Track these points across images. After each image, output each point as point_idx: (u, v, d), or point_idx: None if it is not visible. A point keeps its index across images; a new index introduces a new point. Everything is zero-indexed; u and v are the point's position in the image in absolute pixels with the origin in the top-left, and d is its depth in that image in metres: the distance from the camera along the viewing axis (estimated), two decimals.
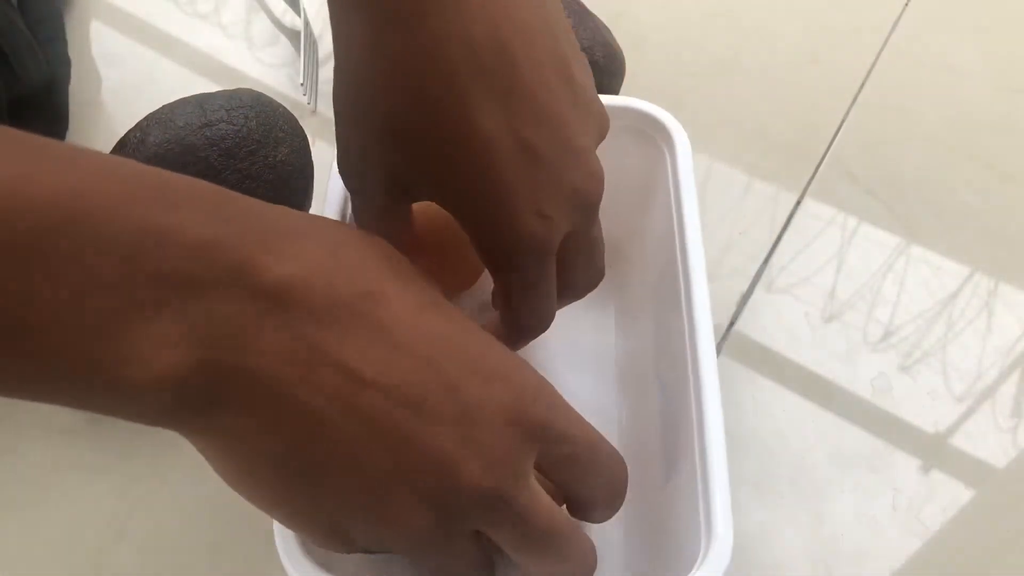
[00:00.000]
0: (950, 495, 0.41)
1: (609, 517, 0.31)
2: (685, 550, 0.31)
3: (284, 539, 0.29)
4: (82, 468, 0.40)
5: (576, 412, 0.28)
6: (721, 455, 0.32)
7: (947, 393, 0.45)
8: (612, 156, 0.42)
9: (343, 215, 0.37)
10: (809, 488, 0.41)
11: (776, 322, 0.46)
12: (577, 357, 0.43)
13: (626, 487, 0.30)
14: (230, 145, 0.40)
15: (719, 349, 0.45)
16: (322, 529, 0.25)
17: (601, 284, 0.44)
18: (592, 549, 0.29)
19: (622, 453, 0.39)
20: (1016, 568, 0.40)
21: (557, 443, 0.27)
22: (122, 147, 0.41)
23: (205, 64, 0.56)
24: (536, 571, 0.28)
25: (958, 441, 0.43)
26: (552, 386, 0.28)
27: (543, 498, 0.27)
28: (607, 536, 0.38)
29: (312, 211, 0.45)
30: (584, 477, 0.28)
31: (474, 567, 0.27)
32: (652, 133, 0.41)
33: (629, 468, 0.39)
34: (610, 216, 0.44)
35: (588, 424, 0.29)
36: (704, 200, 0.41)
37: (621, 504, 0.31)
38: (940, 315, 0.48)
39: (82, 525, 0.39)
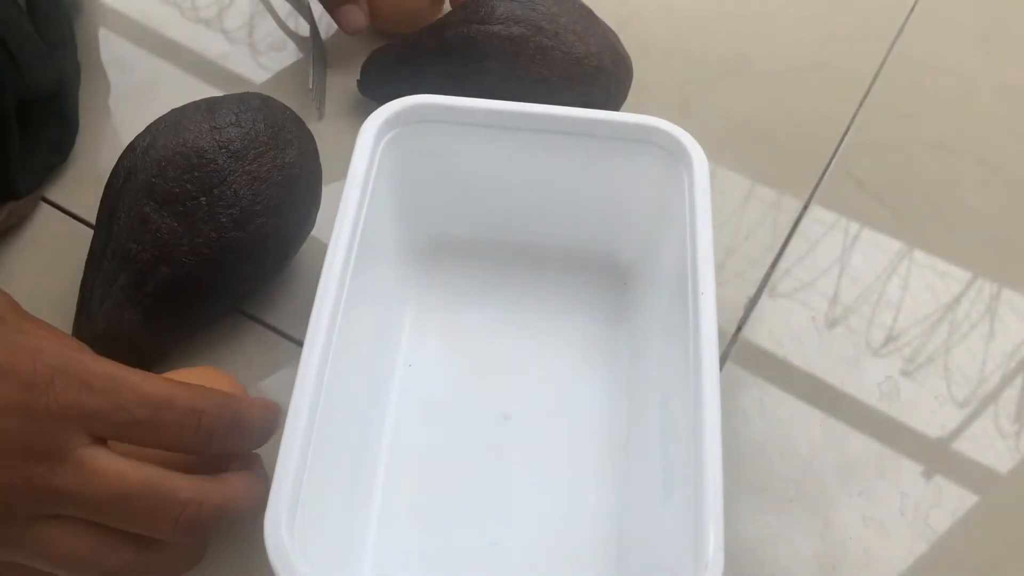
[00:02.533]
0: (957, 499, 0.42)
1: (246, 448, 0.33)
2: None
3: (275, 544, 0.29)
4: None
5: (135, 376, 0.29)
6: (717, 484, 0.31)
7: (950, 398, 0.45)
8: (631, 173, 0.42)
9: (357, 219, 0.37)
10: (817, 493, 0.41)
11: (782, 327, 0.47)
12: (587, 375, 0.43)
13: (249, 422, 0.32)
14: (239, 147, 0.40)
15: (726, 355, 0.45)
16: None
17: (613, 303, 0.45)
18: (196, 489, 0.30)
19: (627, 471, 0.40)
20: None
21: (102, 417, 0.28)
22: (132, 151, 0.41)
23: (212, 70, 0.56)
24: (146, 529, 0.29)
25: (962, 446, 0.43)
26: (88, 362, 0.29)
27: (104, 467, 0.28)
28: (605, 551, 0.38)
29: (320, 213, 0.45)
30: (158, 436, 0.29)
31: (74, 551, 0.28)
32: (672, 153, 0.41)
33: (633, 485, 0.39)
34: (626, 236, 0.45)
35: (155, 385, 0.29)
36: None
37: (255, 438, 0.33)
38: (943, 320, 0.48)
39: None
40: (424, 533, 0.38)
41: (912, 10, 0.63)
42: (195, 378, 0.38)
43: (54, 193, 0.49)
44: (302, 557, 0.29)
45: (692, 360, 0.34)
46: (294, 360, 0.44)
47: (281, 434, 0.31)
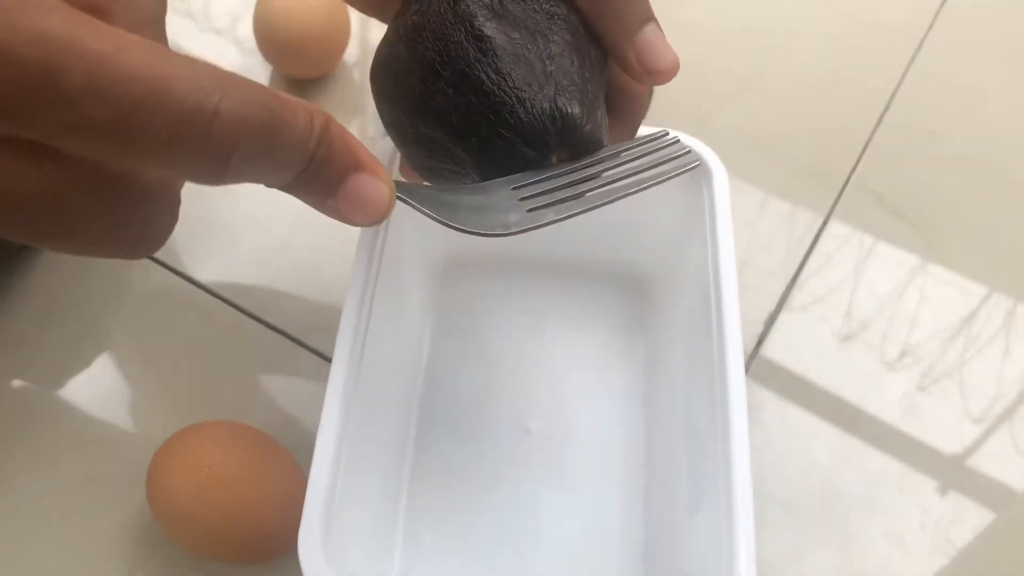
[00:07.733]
0: (978, 514, 0.42)
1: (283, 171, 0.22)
2: None
3: (310, 560, 0.29)
4: (114, 479, 0.41)
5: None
6: (747, 495, 0.31)
7: (966, 414, 0.45)
8: (651, 188, 0.42)
9: (379, 236, 0.37)
10: (838, 508, 0.41)
11: (801, 342, 0.47)
12: (607, 387, 0.43)
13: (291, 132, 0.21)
14: None
15: (746, 370, 0.45)
16: None
17: (633, 316, 0.45)
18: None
19: (651, 482, 0.40)
20: None
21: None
22: None
23: None
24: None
25: (980, 462, 0.43)
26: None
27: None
28: (631, 563, 0.38)
29: (343, 230, 0.45)
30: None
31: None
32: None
33: (656, 499, 0.39)
34: (646, 250, 0.45)
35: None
36: None
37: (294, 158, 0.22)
38: (959, 334, 0.48)
39: (116, 537, 0.39)
40: (451, 547, 0.38)
41: (931, 26, 0.63)
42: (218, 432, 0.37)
43: None
44: (336, 572, 0.29)
45: (717, 371, 0.35)
46: (315, 371, 0.44)
47: (312, 451, 0.32)
